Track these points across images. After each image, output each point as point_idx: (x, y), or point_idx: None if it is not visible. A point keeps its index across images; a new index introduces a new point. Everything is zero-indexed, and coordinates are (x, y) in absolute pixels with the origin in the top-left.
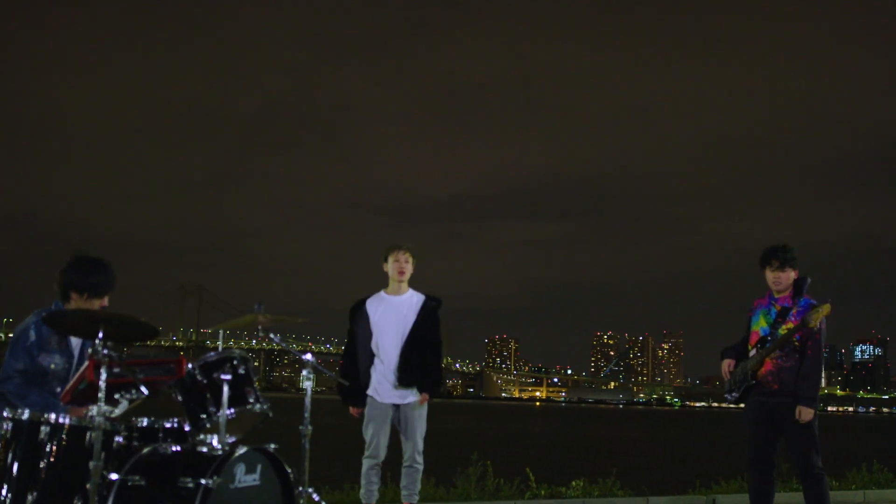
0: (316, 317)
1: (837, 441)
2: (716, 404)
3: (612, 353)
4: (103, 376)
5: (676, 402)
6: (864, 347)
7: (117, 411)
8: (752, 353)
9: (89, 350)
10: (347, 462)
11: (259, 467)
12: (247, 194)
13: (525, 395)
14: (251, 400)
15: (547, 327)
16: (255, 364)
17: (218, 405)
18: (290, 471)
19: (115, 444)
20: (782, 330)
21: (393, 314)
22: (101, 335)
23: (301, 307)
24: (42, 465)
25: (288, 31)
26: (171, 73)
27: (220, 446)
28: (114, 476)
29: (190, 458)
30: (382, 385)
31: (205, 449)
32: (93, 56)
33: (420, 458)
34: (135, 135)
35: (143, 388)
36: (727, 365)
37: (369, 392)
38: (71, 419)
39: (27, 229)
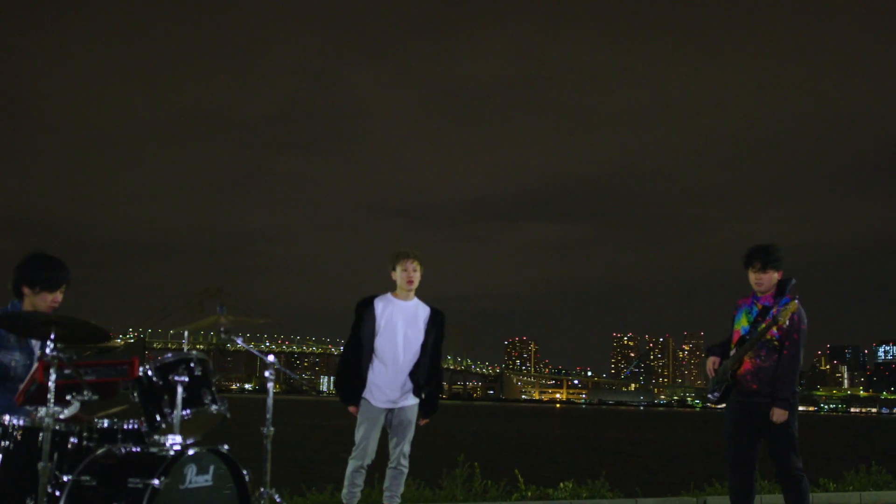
0: (328, 319)
1: (852, 442)
2: None
3: (632, 355)
4: (52, 377)
5: (698, 403)
6: (887, 348)
7: (67, 412)
8: (733, 352)
9: (38, 351)
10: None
11: (212, 468)
12: (263, 197)
13: (545, 397)
14: (207, 401)
15: (566, 329)
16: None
17: (174, 406)
18: (245, 472)
19: (69, 445)
20: (761, 328)
21: (400, 318)
22: (52, 336)
23: (317, 309)
24: None
25: (302, 34)
26: (186, 77)
27: (172, 447)
28: (66, 477)
29: (141, 458)
30: (379, 388)
31: (157, 450)
32: (109, 59)
33: (405, 462)
34: (150, 138)
35: (91, 390)
36: (711, 363)
37: (364, 394)
38: (24, 420)
39: (44, 234)
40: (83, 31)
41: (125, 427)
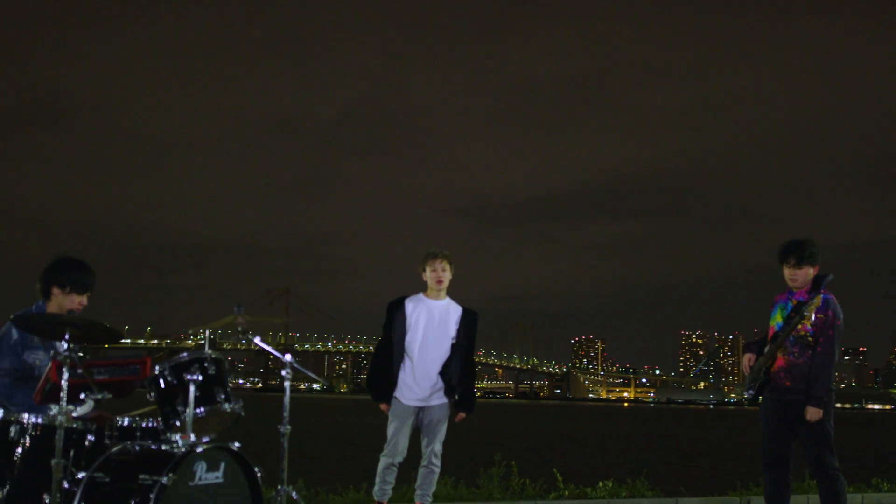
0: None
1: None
2: None
3: (701, 353)
4: (65, 376)
5: None
6: None
7: (80, 410)
8: (767, 349)
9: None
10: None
11: (223, 465)
12: (329, 199)
13: (613, 396)
14: (220, 399)
15: (634, 327)
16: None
17: (188, 405)
18: (256, 469)
19: (87, 443)
20: (790, 325)
21: (431, 317)
22: (66, 337)
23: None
24: (14, 462)
25: (365, 37)
26: (254, 83)
27: (183, 445)
28: (81, 474)
29: (154, 456)
30: (409, 386)
31: (169, 447)
32: (178, 68)
33: (437, 461)
34: (220, 143)
35: (105, 389)
36: (747, 360)
37: (395, 393)
38: (42, 418)
39: (117, 237)
40: (156, 43)
41: (143, 425)
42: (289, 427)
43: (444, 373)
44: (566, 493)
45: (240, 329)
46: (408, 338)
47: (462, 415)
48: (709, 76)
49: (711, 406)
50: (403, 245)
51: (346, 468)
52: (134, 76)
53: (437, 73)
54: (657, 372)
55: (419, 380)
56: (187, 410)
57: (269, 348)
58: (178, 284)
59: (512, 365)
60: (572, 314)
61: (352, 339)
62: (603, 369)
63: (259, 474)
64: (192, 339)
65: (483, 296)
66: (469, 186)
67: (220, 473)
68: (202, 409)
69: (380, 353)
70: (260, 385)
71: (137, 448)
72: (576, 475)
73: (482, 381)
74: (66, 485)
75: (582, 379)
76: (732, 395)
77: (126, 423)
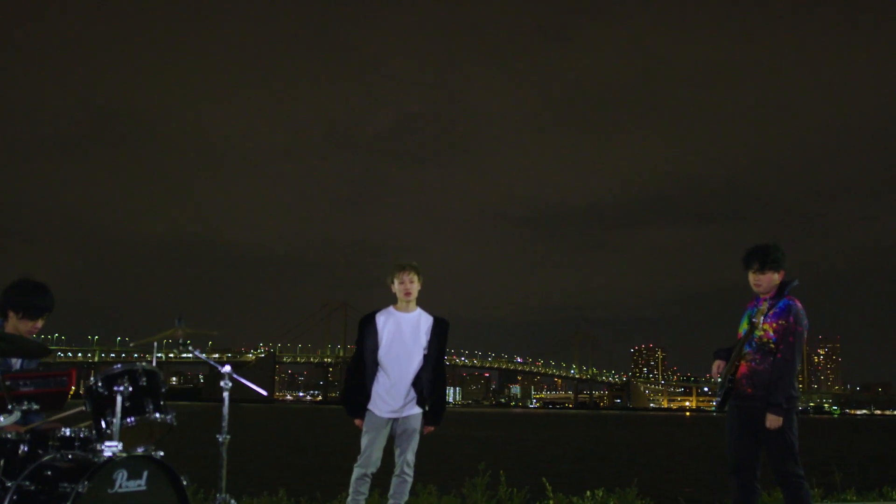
0: (451, 329)
1: None
2: (878, 411)
3: None
4: None
5: (835, 409)
6: None
7: (5, 421)
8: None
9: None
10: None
11: (145, 473)
12: (384, 210)
13: (674, 405)
14: (149, 410)
15: (695, 335)
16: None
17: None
18: (182, 477)
19: (20, 453)
20: (758, 331)
21: (401, 329)
22: None
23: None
24: None
25: (418, 47)
26: (309, 95)
27: (106, 453)
28: (10, 483)
29: (77, 464)
30: (382, 399)
31: (93, 456)
32: (234, 81)
33: (410, 470)
34: (276, 156)
35: (32, 400)
36: (716, 367)
37: (369, 405)
38: None
39: (175, 252)
40: (214, 59)
41: (81, 435)
42: (228, 436)
43: (416, 383)
44: (550, 502)
45: (179, 341)
46: (380, 351)
47: (430, 428)
48: (765, 76)
49: None
50: (459, 254)
51: (338, 478)
52: (193, 92)
53: (489, 81)
54: (719, 380)
55: (392, 392)
56: (114, 420)
57: (206, 359)
58: (238, 298)
59: (571, 375)
60: (631, 323)
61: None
62: (663, 378)
63: (185, 483)
64: (252, 354)
65: (540, 305)
66: (524, 194)
67: (142, 481)
68: (132, 418)
69: (353, 368)
70: (320, 398)
71: (68, 457)
72: (580, 485)
73: (541, 392)
74: None
75: (642, 388)
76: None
77: (67, 433)
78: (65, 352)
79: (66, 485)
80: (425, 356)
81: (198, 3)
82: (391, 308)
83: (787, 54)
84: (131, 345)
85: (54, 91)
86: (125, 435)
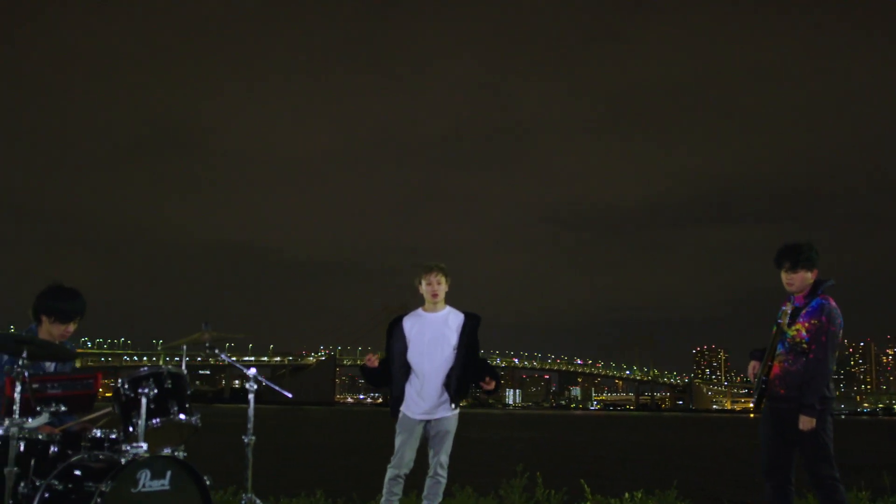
0: (509, 332)
1: None
2: None
3: None
4: (18, 390)
5: None
6: None
7: (35, 422)
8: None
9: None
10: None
11: (169, 473)
12: (438, 214)
13: (738, 407)
14: (174, 411)
15: (758, 335)
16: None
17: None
18: (205, 477)
19: (50, 453)
20: (791, 331)
21: (429, 331)
22: (24, 355)
23: (498, 323)
24: None
25: (471, 52)
26: (362, 102)
27: (130, 454)
28: (39, 482)
29: (102, 464)
30: (414, 401)
31: (118, 456)
32: (292, 90)
33: (443, 472)
34: (331, 163)
35: (60, 403)
36: (752, 367)
37: (402, 408)
38: (8, 430)
39: (238, 258)
40: (268, 67)
41: (111, 437)
42: (253, 437)
43: (448, 382)
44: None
45: (207, 344)
46: (408, 353)
47: (490, 382)
48: (823, 73)
49: (843, 416)
50: (515, 258)
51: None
52: (248, 101)
53: (541, 84)
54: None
55: (423, 393)
56: (139, 422)
57: (234, 362)
58: (298, 303)
59: (632, 376)
60: (693, 324)
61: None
62: (727, 379)
63: (208, 482)
64: (312, 357)
65: (598, 307)
66: (579, 197)
67: (165, 481)
68: (157, 420)
69: (383, 367)
70: (380, 400)
71: (95, 458)
72: (623, 487)
73: (602, 394)
74: (25, 492)
75: (705, 390)
76: (866, 405)
77: (98, 434)
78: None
79: (91, 484)
80: (456, 353)
81: (249, 15)
82: (419, 310)
83: (847, 53)
84: (158, 348)
85: (109, 103)
86: (150, 436)
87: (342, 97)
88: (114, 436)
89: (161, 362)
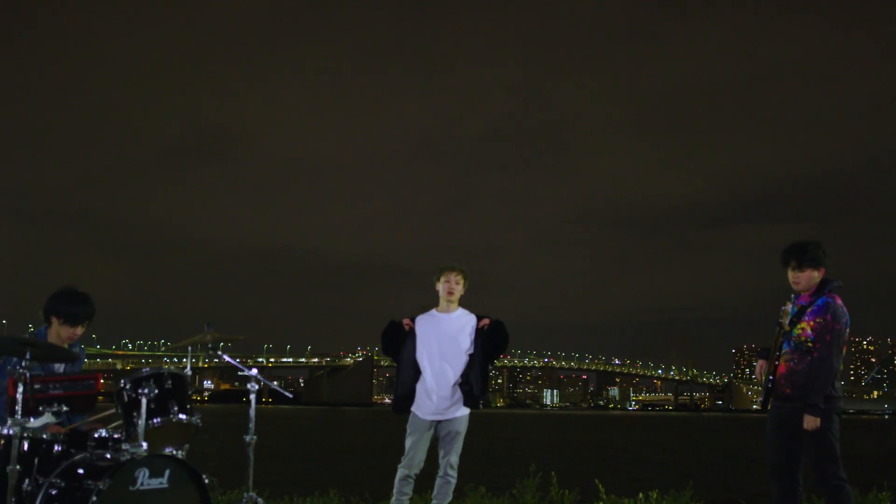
0: (548, 333)
1: None
2: None
3: (873, 360)
4: (20, 391)
5: None
6: None
7: (37, 422)
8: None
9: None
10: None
11: (167, 472)
12: (478, 216)
13: None
14: (174, 411)
15: None
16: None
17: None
18: (204, 475)
19: (54, 452)
20: (797, 330)
21: (439, 331)
22: (28, 356)
23: (536, 323)
24: None
25: (508, 53)
26: (401, 105)
27: (130, 452)
28: (42, 480)
29: (104, 463)
30: (424, 402)
31: (119, 455)
32: (331, 95)
33: (453, 472)
34: (371, 164)
35: (62, 403)
36: (759, 367)
37: (412, 408)
38: (11, 430)
39: (282, 260)
40: (307, 73)
41: (115, 436)
42: (255, 436)
43: (465, 382)
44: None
45: (209, 346)
46: (416, 354)
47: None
48: (872, 70)
49: (886, 416)
50: (554, 258)
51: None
52: (289, 106)
53: (580, 84)
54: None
55: (433, 395)
56: (140, 421)
57: (235, 363)
58: (335, 304)
59: (670, 377)
60: (731, 323)
61: (506, 354)
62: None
63: (207, 480)
64: (350, 358)
65: (637, 306)
66: (617, 196)
67: (164, 479)
68: (158, 419)
69: (398, 370)
70: None
71: (96, 456)
72: (640, 487)
73: (640, 394)
74: (30, 489)
75: (745, 389)
76: None
77: (104, 433)
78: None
79: (90, 482)
80: (471, 356)
81: (289, 18)
82: (433, 311)
83: (887, 52)
84: (162, 349)
85: (154, 110)
86: (151, 435)
87: (381, 100)
88: (117, 436)
89: (201, 363)
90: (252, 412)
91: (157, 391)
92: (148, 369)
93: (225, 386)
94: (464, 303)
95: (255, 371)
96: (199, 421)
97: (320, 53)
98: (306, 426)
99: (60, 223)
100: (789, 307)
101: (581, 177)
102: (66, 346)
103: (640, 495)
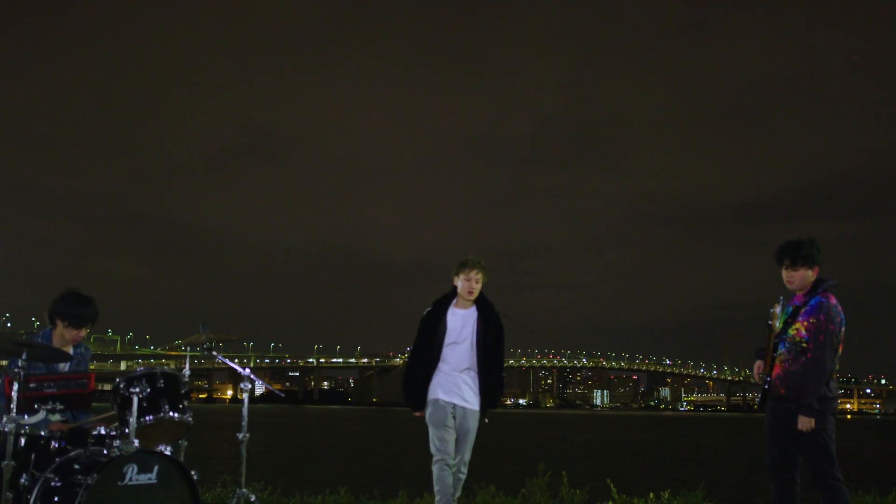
0: (598, 333)
1: None
2: None
3: None
4: (15, 389)
5: None
6: None
7: (32, 420)
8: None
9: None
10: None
11: (156, 468)
12: (527, 214)
13: None
14: (164, 409)
15: (855, 334)
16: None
17: (139, 414)
18: (192, 472)
19: (52, 448)
20: (791, 330)
21: (457, 324)
22: (24, 356)
23: (586, 323)
24: None
25: (554, 49)
26: (448, 104)
27: (119, 448)
28: (38, 474)
29: (94, 459)
30: (442, 387)
31: (111, 451)
32: (377, 95)
33: (465, 469)
34: (421, 163)
35: (56, 401)
36: (757, 367)
37: (430, 396)
38: (6, 427)
39: (329, 261)
40: (353, 74)
41: (111, 433)
42: (248, 434)
43: (478, 378)
44: (610, 503)
45: (205, 345)
46: (437, 346)
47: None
48: None
49: None
50: (605, 257)
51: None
52: (335, 106)
53: (628, 79)
54: (882, 382)
55: (453, 386)
56: (131, 419)
57: (230, 363)
58: (384, 305)
59: (723, 377)
60: None
61: (555, 354)
62: None
63: (195, 476)
64: (399, 359)
65: (689, 305)
66: (669, 193)
67: (153, 475)
68: (150, 417)
69: (412, 361)
70: None
71: (92, 453)
72: (655, 487)
73: (692, 394)
74: (27, 484)
75: None
76: None
77: (102, 431)
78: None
79: (81, 477)
80: (485, 350)
81: (336, 18)
82: (452, 306)
83: None
84: (156, 349)
85: (203, 109)
86: (143, 433)
87: (429, 99)
88: (113, 433)
89: (252, 364)
90: (245, 410)
91: (149, 390)
92: (142, 369)
93: (277, 386)
94: (511, 300)
95: (247, 371)
96: (190, 419)
97: (368, 53)
98: (350, 425)
99: (108, 224)
100: (777, 309)
101: (632, 174)
102: (70, 347)
103: (651, 495)
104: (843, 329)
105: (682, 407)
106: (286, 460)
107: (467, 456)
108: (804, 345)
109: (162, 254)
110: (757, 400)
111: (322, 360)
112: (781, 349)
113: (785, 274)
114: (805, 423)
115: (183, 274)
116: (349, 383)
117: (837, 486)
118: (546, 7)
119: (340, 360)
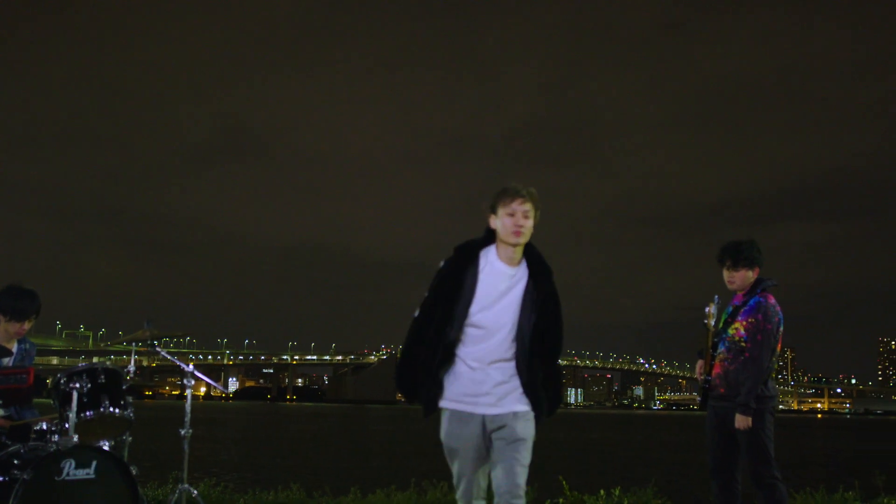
0: (600, 332)
1: None
2: None
3: None
4: None
5: None
6: None
7: None
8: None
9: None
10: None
11: (94, 463)
12: None
13: (805, 407)
14: (105, 405)
15: (826, 334)
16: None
17: (78, 409)
18: (131, 467)
19: None
20: (731, 330)
21: (498, 285)
22: None
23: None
24: None
25: (540, 50)
26: (433, 102)
27: (56, 444)
28: None
29: (31, 455)
30: (464, 387)
31: (50, 446)
32: (362, 95)
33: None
34: (401, 162)
35: None
36: (699, 366)
37: (442, 401)
38: None
39: (307, 258)
40: (336, 74)
41: (53, 429)
42: (190, 430)
43: (524, 372)
44: (560, 500)
45: (148, 342)
46: (473, 308)
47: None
48: None
49: None
50: (584, 255)
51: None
52: (319, 105)
53: (613, 80)
54: (853, 381)
55: (475, 385)
56: (70, 415)
57: (173, 359)
58: (360, 302)
59: (695, 375)
60: None
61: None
62: (793, 379)
63: (134, 472)
64: (374, 356)
65: (665, 305)
66: (652, 194)
67: (90, 470)
68: (90, 412)
69: (412, 341)
70: None
71: (30, 448)
72: (608, 485)
73: (665, 394)
74: None
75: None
76: None
77: (44, 426)
78: (178, 354)
79: (17, 473)
80: (529, 331)
81: (320, 19)
82: (491, 251)
83: None
84: (102, 345)
85: (185, 107)
86: (83, 428)
87: (412, 98)
88: (53, 428)
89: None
90: (188, 407)
91: (89, 385)
92: (83, 364)
93: (250, 383)
94: None
95: (191, 367)
96: (131, 415)
97: (350, 52)
98: (327, 424)
99: (90, 221)
100: (712, 308)
101: (611, 174)
102: (14, 343)
103: (602, 492)
104: (781, 329)
105: (655, 405)
106: (248, 457)
107: (520, 479)
108: (743, 344)
109: (139, 249)
110: (698, 400)
111: (297, 358)
112: (721, 349)
113: (726, 274)
114: (742, 421)
115: (160, 269)
116: (324, 381)
117: (775, 485)
118: (529, 9)
119: (315, 357)
